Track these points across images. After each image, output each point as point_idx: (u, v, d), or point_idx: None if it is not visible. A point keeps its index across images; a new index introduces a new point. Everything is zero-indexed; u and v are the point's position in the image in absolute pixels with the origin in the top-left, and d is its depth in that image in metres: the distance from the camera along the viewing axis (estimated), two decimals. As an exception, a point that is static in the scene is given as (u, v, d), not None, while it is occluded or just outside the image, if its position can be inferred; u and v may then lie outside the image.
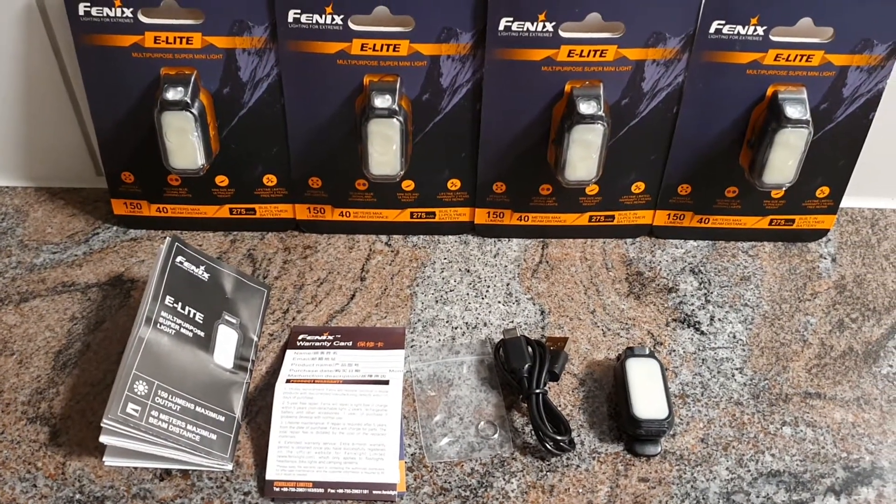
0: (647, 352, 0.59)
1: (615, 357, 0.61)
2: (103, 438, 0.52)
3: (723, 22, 0.59)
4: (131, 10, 0.59)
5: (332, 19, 0.59)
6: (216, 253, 0.69)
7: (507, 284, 0.67)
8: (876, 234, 0.72)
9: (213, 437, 0.55)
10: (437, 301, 0.65)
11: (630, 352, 0.59)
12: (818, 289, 0.67)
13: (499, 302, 0.65)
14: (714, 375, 0.61)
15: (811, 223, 0.70)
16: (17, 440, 0.56)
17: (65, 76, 0.66)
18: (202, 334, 0.58)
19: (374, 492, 0.53)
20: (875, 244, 0.71)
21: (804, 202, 0.68)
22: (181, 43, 0.60)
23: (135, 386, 0.53)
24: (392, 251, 0.69)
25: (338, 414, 0.56)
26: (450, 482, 0.55)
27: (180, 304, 0.58)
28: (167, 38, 0.60)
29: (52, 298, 0.65)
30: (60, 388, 0.59)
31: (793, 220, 0.70)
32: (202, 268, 0.61)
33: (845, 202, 0.71)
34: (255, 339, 0.62)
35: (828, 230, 0.71)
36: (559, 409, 0.58)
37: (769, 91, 0.62)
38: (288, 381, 0.58)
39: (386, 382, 0.58)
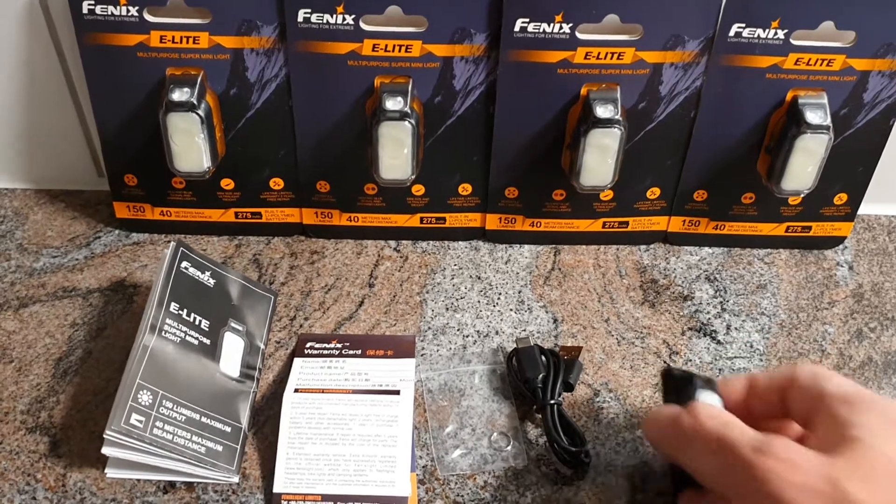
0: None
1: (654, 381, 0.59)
2: (106, 450, 0.51)
3: (743, 25, 0.58)
4: (137, 8, 0.57)
5: (343, 19, 0.57)
6: (221, 258, 0.67)
7: (519, 292, 0.65)
8: (893, 242, 0.71)
9: (219, 448, 0.53)
10: (447, 308, 0.64)
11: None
12: (835, 297, 0.66)
13: (511, 310, 0.64)
14: (732, 386, 0.59)
15: (828, 230, 0.69)
16: (17, 450, 0.54)
17: (67, 76, 0.65)
18: (208, 342, 0.57)
19: (386, 506, 0.52)
20: (892, 252, 0.70)
21: (822, 209, 0.67)
22: (188, 43, 0.59)
23: (139, 396, 0.51)
24: (401, 257, 0.68)
25: (348, 425, 0.55)
26: (462, 496, 0.53)
27: (185, 310, 0.57)
28: (173, 37, 0.58)
29: (52, 304, 0.63)
30: (61, 396, 0.57)
31: (809, 227, 0.68)
32: (208, 273, 0.60)
33: (862, 209, 0.70)
34: (262, 346, 0.60)
35: (845, 237, 0.69)
36: (574, 420, 0.56)
37: (789, 95, 0.60)
38: (296, 390, 0.57)
39: (397, 392, 0.57)
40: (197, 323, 0.57)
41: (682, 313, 0.64)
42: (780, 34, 0.58)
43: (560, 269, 0.67)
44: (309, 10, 0.57)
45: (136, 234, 0.68)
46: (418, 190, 0.66)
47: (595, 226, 0.68)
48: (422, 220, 0.68)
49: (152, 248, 0.68)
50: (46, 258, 0.66)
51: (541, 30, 0.57)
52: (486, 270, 0.67)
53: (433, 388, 0.58)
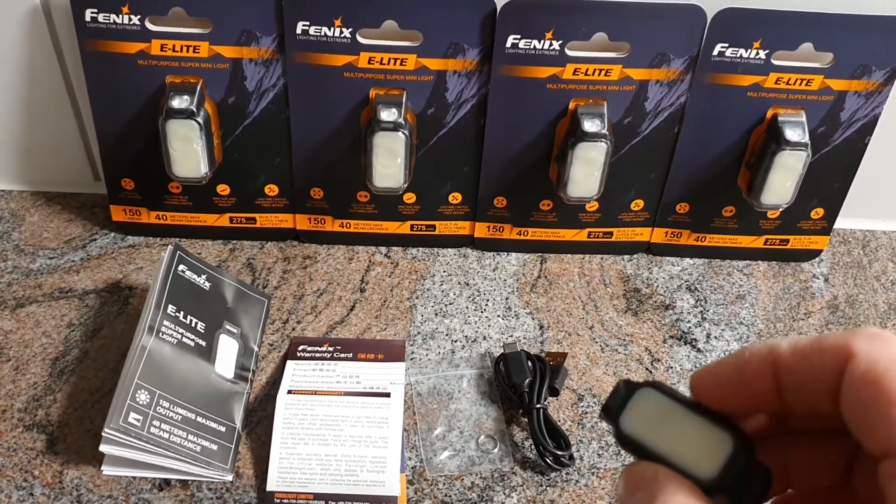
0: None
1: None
2: (103, 447, 0.52)
3: (726, 45, 0.60)
4: (139, 17, 0.59)
5: (341, 32, 0.59)
6: (215, 261, 0.68)
7: (507, 298, 0.67)
8: (867, 255, 0.73)
9: (214, 447, 0.54)
10: (436, 314, 0.65)
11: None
12: (811, 308, 0.68)
13: (498, 316, 0.66)
14: (711, 393, 0.61)
15: (805, 244, 0.71)
16: (14, 448, 0.56)
17: (67, 80, 0.66)
18: (203, 344, 0.58)
19: (376, 505, 0.54)
20: (866, 265, 0.72)
21: (799, 223, 0.69)
22: (188, 51, 0.60)
23: (137, 395, 0.53)
24: (391, 263, 0.69)
25: (339, 426, 0.56)
26: (450, 496, 0.55)
27: (182, 313, 0.58)
28: (174, 46, 0.60)
29: (48, 304, 0.64)
30: (58, 395, 0.59)
31: (787, 241, 0.71)
32: (203, 276, 0.61)
33: (837, 223, 0.72)
34: (256, 349, 0.62)
35: (821, 251, 0.72)
36: (559, 423, 0.58)
37: (769, 113, 0.63)
38: (289, 391, 0.58)
39: (387, 395, 0.58)
40: (193, 325, 0.58)
41: (663, 322, 0.66)
42: (762, 54, 0.60)
43: (546, 277, 0.69)
44: (307, 23, 0.59)
45: (132, 237, 0.70)
46: (410, 198, 0.68)
47: (580, 235, 0.70)
48: (412, 227, 0.69)
49: (147, 251, 0.69)
50: (43, 259, 0.68)
51: (531, 46, 0.59)
52: (474, 277, 0.69)
53: (422, 392, 0.60)
